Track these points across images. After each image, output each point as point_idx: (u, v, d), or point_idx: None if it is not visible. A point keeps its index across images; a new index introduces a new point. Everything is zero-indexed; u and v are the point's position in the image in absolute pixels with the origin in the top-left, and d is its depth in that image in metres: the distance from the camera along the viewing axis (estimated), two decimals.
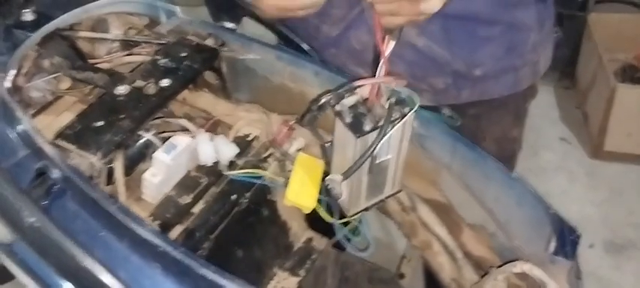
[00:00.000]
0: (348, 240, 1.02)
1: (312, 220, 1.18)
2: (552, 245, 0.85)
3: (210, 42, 1.07)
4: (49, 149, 0.82)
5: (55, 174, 0.80)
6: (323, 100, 0.83)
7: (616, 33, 2.39)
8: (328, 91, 0.85)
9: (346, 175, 0.84)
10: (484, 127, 1.15)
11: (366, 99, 0.83)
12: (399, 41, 0.80)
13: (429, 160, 1.06)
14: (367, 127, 0.81)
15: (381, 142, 0.81)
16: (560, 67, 2.63)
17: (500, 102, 1.12)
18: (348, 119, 0.82)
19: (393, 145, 0.86)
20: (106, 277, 0.73)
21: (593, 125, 2.32)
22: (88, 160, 0.84)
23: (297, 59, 1.08)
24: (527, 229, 0.93)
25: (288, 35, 1.19)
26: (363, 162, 0.81)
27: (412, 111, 0.81)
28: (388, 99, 0.83)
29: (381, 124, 0.81)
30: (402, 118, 0.82)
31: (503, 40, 1.05)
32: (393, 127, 0.82)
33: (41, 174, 0.81)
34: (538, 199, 0.91)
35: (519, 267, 0.86)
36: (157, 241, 0.75)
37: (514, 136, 1.22)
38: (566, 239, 0.86)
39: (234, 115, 1.14)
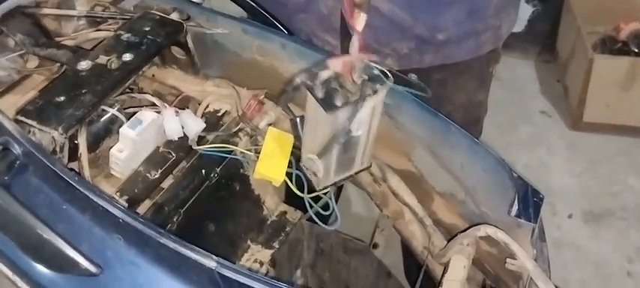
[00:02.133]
0: (321, 217, 1.02)
1: (288, 195, 1.18)
2: (515, 209, 0.86)
3: (174, 16, 1.06)
4: (9, 125, 0.82)
5: (17, 149, 0.80)
6: (297, 81, 0.83)
7: (595, 5, 2.39)
8: (302, 71, 0.84)
9: (321, 154, 0.85)
10: (450, 92, 1.16)
11: (339, 74, 0.82)
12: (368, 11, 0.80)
13: (400, 131, 1.06)
14: (338, 103, 0.81)
15: (354, 119, 0.81)
16: (541, 40, 2.63)
17: (465, 67, 1.13)
18: (320, 94, 0.81)
19: (364, 121, 0.86)
20: (67, 250, 0.73)
21: (573, 97, 2.34)
22: (49, 135, 0.83)
23: (264, 32, 1.08)
24: (492, 194, 0.94)
25: (255, 7, 1.18)
26: (338, 140, 0.81)
27: (384, 89, 0.81)
28: (360, 75, 0.83)
29: (352, 100, 0.81)
30: (374, 94, 0.82)
31: (465, 4, 1.05)
32: (365, 104, 0.81)
33: (2, 150, 0.80)
34: (502, 164, 0.92)
35: (483, 230, 0.87)
36: (118, 213, 0.75)
37: (479, 101, 1.23)
38: (529, 202, 0.87)
39: (203, 91, 1.13)
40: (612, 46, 2.37)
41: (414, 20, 1.04)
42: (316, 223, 1.06)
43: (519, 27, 2.54)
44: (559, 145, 2.30)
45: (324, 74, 0.83)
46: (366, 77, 0.82)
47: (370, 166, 1.00)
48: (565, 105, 2.42)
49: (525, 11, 2.51)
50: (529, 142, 2.30)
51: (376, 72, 0.83)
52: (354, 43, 0.80)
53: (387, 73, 0.83)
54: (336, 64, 0.83)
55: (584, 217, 2.03)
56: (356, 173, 0.99)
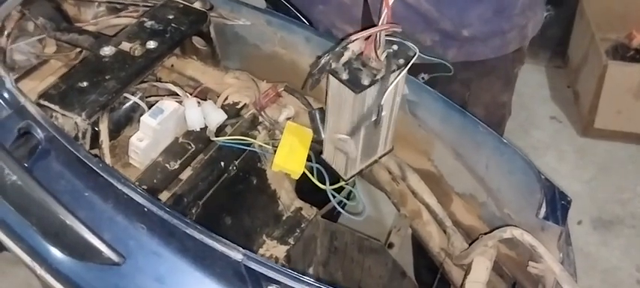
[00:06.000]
0: (343, 206, 1.01)
1: (301, 192, 1.17)
2: (543, 211, 0.85)
3: (198, 5, 1.05)
4: (32, 109, 0.80)
5: (39, 134, 0.78)
6: (323, 62, 0.80)
7: (608, 12, 2.38)
8: (325, 52, 0.82)
9: (352, 133, 0.82)
10: (474, 92, 1.15)
11: (360, 54, 0.80)
12: None
13: (421, 130, 1.05)
14: (366, 82, 0.78)
15: (386, 94, 0.79)
16: (552, 46, 2.62)
17: (490, 67, 1.12)
18: (345, 76, 0.79)
19: (388, 100, 0.84)
20: (90, 237, 0.71)
21: (584, 103, 2.32)
22: (72, 121, 0.82)
23: (288, 24, 1.07)
24: (517, 196, 0.93)
25: None
26: (370, 116, 0.79)
27: (414, 58, 0.79)
28: (384, 51, 0.81)
29: (379, 77, 0.79)
30: (400, 68, 0.80)
31: (492, 2, 1.04)
32: (396, 77, 0.79)
33: (24, 134, 0.79)
34: (529, 165, 0.90)
35: (510, 232, 0.86)
36: (142, 201, 0.73)
37: (503, 102, 1.22)
38: (557, 205, 0.86)
39: (222, 83, 1.12)
40: (624, 53, 2.35)
41: (440, 14, 1.03)
42: (338, 214, 1.04)
43: None
44: (569, 151, 2.28)
45: (344, 56, 0.82)
46: (391, 52, 0.81)
47: (392, 149, 0.98)
48: (575, 111, 2.40)
49: None
50: (539, 148, 2.28)
51: (397, 48, 0.81)
52: (384, 15, 0.77)
53: (412, 46, 0.81)
54: (354, 44, 0.81)
55: (593, 224, 2.01)
56: (379, 158, 0.97)
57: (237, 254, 0.70)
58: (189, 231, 0.71)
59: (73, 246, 0.72)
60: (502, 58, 1.11)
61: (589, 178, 2.17)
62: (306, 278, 0.69)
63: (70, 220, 0.71)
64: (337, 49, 0.80)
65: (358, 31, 0.79)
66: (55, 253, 0.74)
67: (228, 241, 0.71)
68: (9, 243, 0.77)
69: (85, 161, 0.76)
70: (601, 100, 2.19)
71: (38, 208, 0.72)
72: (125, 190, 0.74)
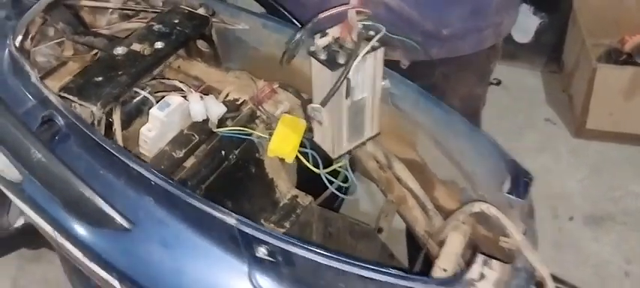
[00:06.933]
0: (342, 190, 1.10)
1: (301, 183, 1.27)
2: (506, 187, 0.94)
3: (201, 11, 1.16)
4: (54, 99, 0.92)
5: (60, 121, 0.90)
6: (297, 37, 0.91)
7: (601, 18, 2.46)
8: (303, 28, 0.93)
9: (324, 102, 0.92)
10: (452, 85, 1.25)
11: (338, 38, 0.91)
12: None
13: (404, 120, 1.14)
14: (341, 61, 0.89)
15: (354, 64, 0.88)
16: (547, 52, 2.71)
17: (467, 62, 1.22)
18: (323, 56, 0.90)
19: (368, 82, 0.94)
20: (104, 206, 0.82)
21: (577, 106, 2.40)
22: (89, 110, 0.93)
23: (283, 27, 1.17)
24: (488, 177, 1.02)
25: (274, 4, 1.28)
26: (339, 86, 0.89)
27: (380, 34, 0.89)
28: (357, 31, 0.91)
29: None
30: (370, 44, 0.89)
31: (468, 3, 1.15)
32: (364, 52, 0.89)
33: (47, 121, 0.90)
34: (495, 147, 1.00)
35: (477, 206, 0.95)
36: (150, 176, 0.84)
37: (479, 94, 1.32)
38: (520, 181, 0.95)
39: (224, 82, 1.23)
40: (617, 58, 2.42)
41: (422, 17, 1.13)
42: (340, 204, 1.12)
43: (527, 38, 2.62)
44: (563, 151, 2.36)
45: (325, 40, 0.92)
46: (363, 32, 0.90)
47: (379, 133, 1.07)
48: (570, 114, 2.49)
49: (533, 23, 2.59)
50: (534, 149, 2.36)
51: (373, 33, 0.90)
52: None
53: (380, 26, 0.90)
54: (334, 30, 0.92)
55: (585, 221, 2.08)
56: (367, 140, 1.06)
57: (231, 219, 0.80)
58: (190, 200, 0.82)
59: (90, 214, 0.83)
60: (478, 54, 1.22)
61: (582, 177, 2.24)
62: (292, 239, 0.79)
63: (88, 193, 0.82)
64: (309, 25, 0.91)
65: (327, 10, 0.90)
66: (73, 222, 0.85)
67: (223, 208, 0.82)
68: (34, 216, 0.89)
69: (101, 143, 0.87)
70: (592, 102, 2.27)
71: (60, 182, 0.83)
72: (135, 166, 0.85)
